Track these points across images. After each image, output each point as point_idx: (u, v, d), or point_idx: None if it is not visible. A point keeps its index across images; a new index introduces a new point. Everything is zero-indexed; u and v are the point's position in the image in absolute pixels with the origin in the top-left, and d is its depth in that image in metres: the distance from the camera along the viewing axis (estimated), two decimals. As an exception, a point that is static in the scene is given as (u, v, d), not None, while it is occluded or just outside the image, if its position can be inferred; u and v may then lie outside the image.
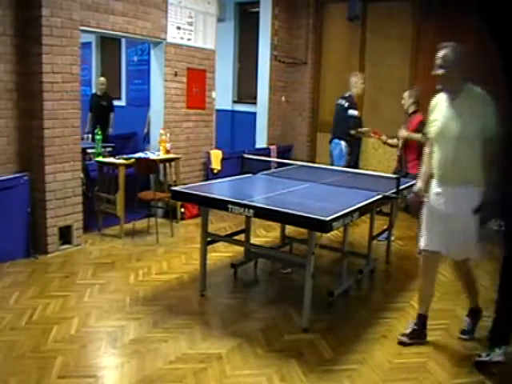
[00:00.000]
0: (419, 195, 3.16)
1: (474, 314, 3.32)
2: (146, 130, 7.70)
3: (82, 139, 5.59)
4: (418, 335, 3.17)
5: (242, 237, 4.21)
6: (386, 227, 4.76)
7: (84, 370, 2.72)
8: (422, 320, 3.21)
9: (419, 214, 3.21)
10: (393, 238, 5.02)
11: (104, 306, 3.51)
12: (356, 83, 5.87)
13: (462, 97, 2.95)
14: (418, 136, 4.77)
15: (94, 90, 8.82)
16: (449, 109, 2.98)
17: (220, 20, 7.02)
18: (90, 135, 6.79)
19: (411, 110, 5.09)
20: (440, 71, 2.94)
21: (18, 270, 4.12)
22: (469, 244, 2.99)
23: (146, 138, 7.29)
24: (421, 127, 4.86)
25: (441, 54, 2.94)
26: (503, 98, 5.91)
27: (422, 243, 3.12)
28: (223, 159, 6.48)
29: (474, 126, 2.88)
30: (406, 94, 5.18)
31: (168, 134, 5.70)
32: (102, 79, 8.00)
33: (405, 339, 3.16)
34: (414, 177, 4.58)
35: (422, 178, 3.19)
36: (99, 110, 7.60)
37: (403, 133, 5.01)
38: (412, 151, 4.97)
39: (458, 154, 2.92)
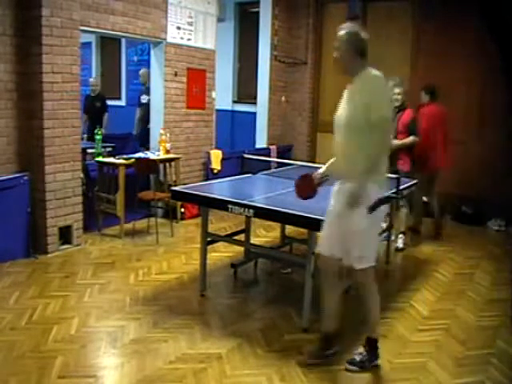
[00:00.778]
0: (309, 176, 2.94)
1: (370, 343, 2.87)
2: (135, 132, 7.37)
3: (82, 139, 5.57)
4: (321, 356, 2.87)
5: (242, 237, 4.21)
6: (385, 227, 4.75)
7: (84, 369, 2.72)
8: (327, 340, 2.91)
9: (300, 196, 3.00)
10: (393, 238, 5.01)
11: (104, 306, 3.51)
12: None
13: (354, 82, 2.64)
14: (409, 140, 4.83)
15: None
16: (344, 96, 2.70)
17: (220, 20, 7.01)
18: (85, 135, 6.67)
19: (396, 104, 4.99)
20: (335, 54, 2.68)
21: (18, 270, 4.12)
22: (349, 247, 2.66)
23: (139, 141, 7.00)
24: (412, 125, 4.87)
25: (337, 35, 2.65)
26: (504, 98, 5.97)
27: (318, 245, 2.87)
28: (223, 159, 6.47)
29: (357, 111, 2.55)
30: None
31: (168, 134, 5.70)
32: (93, 80, 7.66)
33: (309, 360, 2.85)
34: (405, 175, 4.58)
35: (327, 165, 2.98)
36: (94, 111, 7.28)
37: (395, 142, 4.94)
38: (402, 148, 4.92)
39: (347, 145, 2.61)
